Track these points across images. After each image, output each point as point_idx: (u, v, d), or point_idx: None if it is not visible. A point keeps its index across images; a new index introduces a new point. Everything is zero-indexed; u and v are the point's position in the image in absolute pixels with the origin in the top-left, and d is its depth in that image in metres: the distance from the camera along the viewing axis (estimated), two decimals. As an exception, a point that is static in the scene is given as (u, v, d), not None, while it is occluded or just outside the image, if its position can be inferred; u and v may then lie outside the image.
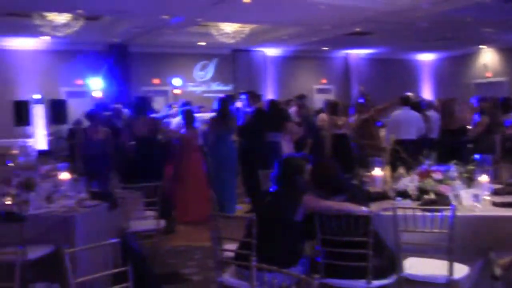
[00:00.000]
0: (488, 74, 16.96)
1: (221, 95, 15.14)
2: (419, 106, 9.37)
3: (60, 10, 10.60)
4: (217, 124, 7.61)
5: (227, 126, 7.55)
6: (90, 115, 6.77)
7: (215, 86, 16.20)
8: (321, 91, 18.06)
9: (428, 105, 10.20)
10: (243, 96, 8.40)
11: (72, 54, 13.93)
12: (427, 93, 19.24)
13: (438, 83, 20.19)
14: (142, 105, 6.92)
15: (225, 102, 7.78)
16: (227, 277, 3.69)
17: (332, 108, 9.20)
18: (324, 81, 18.40)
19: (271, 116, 7.82)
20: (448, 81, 19.39)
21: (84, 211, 4.58)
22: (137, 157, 6.71)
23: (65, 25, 11.04)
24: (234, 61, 16.42)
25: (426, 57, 20.46)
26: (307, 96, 11.19)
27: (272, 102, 8.35)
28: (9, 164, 8.33)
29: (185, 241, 6.44)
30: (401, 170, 4.53)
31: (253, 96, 8.27)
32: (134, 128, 6.77)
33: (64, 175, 5.00)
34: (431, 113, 9.51)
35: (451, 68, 19.70)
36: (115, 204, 4.91)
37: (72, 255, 3.10)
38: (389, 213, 3.60)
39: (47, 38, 12.37)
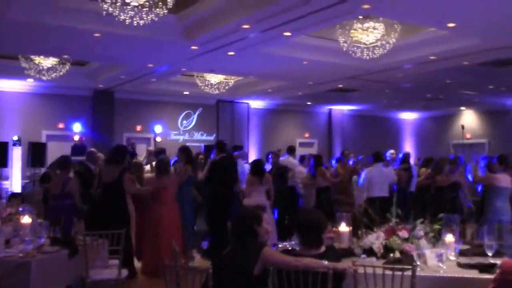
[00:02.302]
0: (467, 135, 17.26)
1: (203, 144, 15.35)
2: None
3: (46, 54, 10.68)
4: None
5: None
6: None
7: (198, 136, 16.24)
8: (303, 144, 18.19)
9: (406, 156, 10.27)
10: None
11: (56, 98, 13.99)
12: (408, 151, 19.41)
13: (419, 141, 20.47)
14: (114, 154, 6.86)
15: (183, 151, 8.03)
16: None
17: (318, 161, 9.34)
18: (307, 135, 18.56)
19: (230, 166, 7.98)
20: (429, 140, 19.69)
21: (42, 257, 4.44)
22: (102, 204, 6.60)
23: (51, 69, 11.08)
24: (218, 112, 16.55)
25: (409, 116, 20.82)
26: (280, 149, 11.41)
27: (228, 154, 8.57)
28: (-22, 206, 8.16)
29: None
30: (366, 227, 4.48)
31: (219, 146, 8.42)
32: (102, 175, 6.69)
33: (26, 219, 4.87)
34: (412, 167, 9.61)
35: (432, 127, 20.05)
36: (75, 251, 4.77)
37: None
38: (350, 271, 3.52)
39: (32, 80, 12.41)
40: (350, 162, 10.15)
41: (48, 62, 10.96)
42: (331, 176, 9.30)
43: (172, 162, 9.17)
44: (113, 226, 5.38)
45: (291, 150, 10.50)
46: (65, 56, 10.70)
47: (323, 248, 3.65)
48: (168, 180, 7.36)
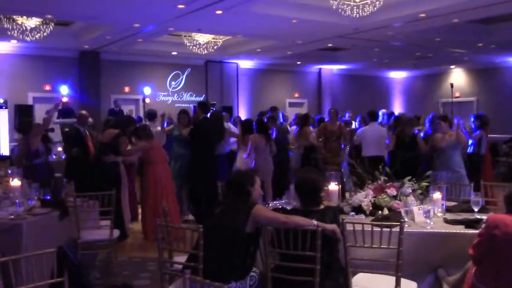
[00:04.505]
0: (456, 94, 17.30)
1: (192, 105, 15.23)
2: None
3: (29, 14, 10.40)
4: None
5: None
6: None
7: (187, 97, 16.11)
8: (293, 104, 18.15)
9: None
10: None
11: (42, 59, 13.72)
12: (397, 109, 19.49)
13: (408, 100, 20.50)
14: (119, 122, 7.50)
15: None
16: (175, 289, 3.60)
17: (304, 120, 9.30)
18: (297, 95, 18.50)
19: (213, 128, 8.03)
20: (417, 99, 19.72)
21: (33, 219, 4.45)
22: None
23: (35, 29, 10.83)
24: (207, 72, 16.38)
25: (398, 75, 20.76)
26: (278, 108, 11.37)
27: (214, 113, 8.43)
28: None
29: (142, 252, 6.31)
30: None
31: (200, 106, 8.34)
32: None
33: (16, 182, 4.85)
34: None
35: (421, 86, 20.04)
36: (66, 213, 4.78)
37: (14, 263, 2.98)
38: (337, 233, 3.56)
39: (15, 42, 12.14)
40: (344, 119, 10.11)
41: (31, 22, 10.69)
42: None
43: (165, 124, 9.21)
44: (105, 185, 5.47)
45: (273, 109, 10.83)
46: (49, 16, 10.43)
47: (322, 206, 3.72)
48: (154, 141, 7.38)
